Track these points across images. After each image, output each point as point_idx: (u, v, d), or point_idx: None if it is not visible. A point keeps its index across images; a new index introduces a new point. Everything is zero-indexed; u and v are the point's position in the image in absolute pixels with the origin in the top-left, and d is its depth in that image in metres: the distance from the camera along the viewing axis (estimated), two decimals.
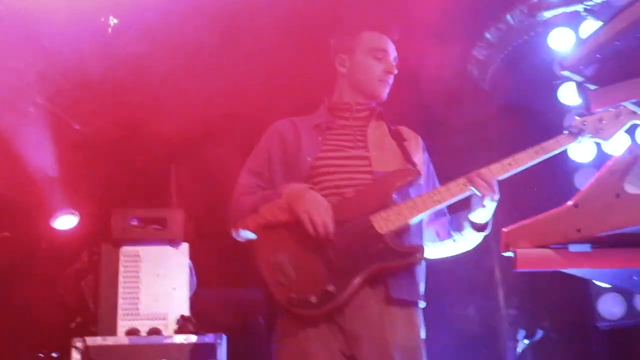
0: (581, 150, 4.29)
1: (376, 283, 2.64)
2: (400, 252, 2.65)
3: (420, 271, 2.80)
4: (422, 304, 2.78)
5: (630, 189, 1.66)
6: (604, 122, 2.69)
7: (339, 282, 2.56)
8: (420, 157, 2.99)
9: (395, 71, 2.99)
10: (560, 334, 4.42)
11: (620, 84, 1.81)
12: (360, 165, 2.83)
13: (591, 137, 2.72)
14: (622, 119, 2.67)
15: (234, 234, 2.86)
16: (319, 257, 2.61)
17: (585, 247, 1.76)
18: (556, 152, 2.76)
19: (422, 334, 2.75)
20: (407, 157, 2.90)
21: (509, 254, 1.86)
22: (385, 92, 2.99)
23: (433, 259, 2.98)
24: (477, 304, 5.15)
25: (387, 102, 3.04)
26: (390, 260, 2.62)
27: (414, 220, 2.72)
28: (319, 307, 2.54)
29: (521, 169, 2.73)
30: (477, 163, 2.77)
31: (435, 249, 2.95)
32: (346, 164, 2.83)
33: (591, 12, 3.68)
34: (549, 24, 4.57)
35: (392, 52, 3.00)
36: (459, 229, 2.83)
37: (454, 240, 2.87)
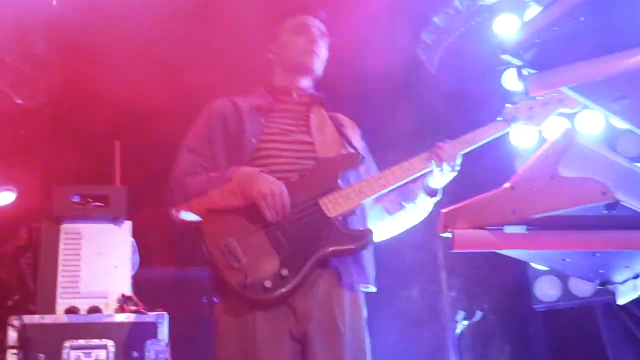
0: (522, 136, 4.36)
1: (326, 265, 2.66)
2: (350, 236, 2.67)
3: (369, 256, 2.82)
4: (372, 289, 2.83)
5: (564, 172, 1.69)
6: (534, 109, 2.81)
7: (292, 267, 2.57)
8: (359, 144, 3.02)
9: (319, 41, 2.99)
10: (498, 316, 4.50)
11: (558, 69, 1.83)
12: (305, 150, 2.85)
13: (523, 123, 2.82)
14: (550, 106, 2.80)
15: (174, 215, 2.82)
16: (269, 241, 2.62)
17: (520, 229, 1.79)
18: (491, 138, 2.86)
19: (365, 314, 2.80)
20: (349, 143, 2.93)
21: (447, 234, 1.88)
22: (314, 63, 2.99)
23: (379, 242, 3.00)
24: (420, 286, 5.21)
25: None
26: (341, 244, 2.64)
27: (360, 205, 2.75)
28: (273, 292, 2.54)
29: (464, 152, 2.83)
30: (423, 146, 2.82)
31: (385, 226, 2.97)
32: (291, 148, 2.84)
33: None
34: (495, 10, 4.63)
35: (316, 26, 3.02)
36: (411, 198, 2.87)
37: (405, 211, 2.90)
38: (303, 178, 2.75)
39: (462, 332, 4.10)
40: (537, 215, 1.73)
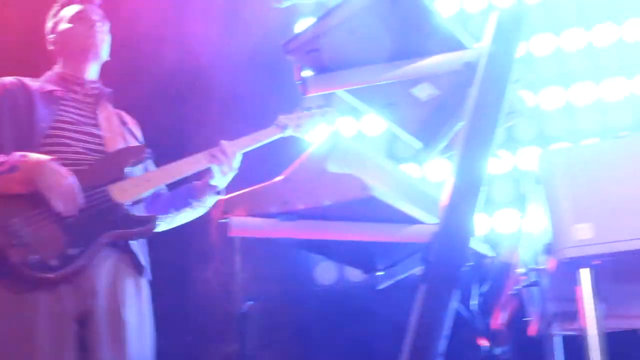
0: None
1: (114, 248, 2.68)
2: (137, 220, 2.71)
3: (144, 244, 2.86)
4: (147, 275, 2.83)
5: (331, 168, 1.78)
6: (301, 119, 3.02)
7: (79, 246, 2.55)
8: (139, 138, 3.06)
9: (99, 25, 2.94)
10: (283, 296, 4.65)
11: (335, 73, 1.93)
12: (94, 142, 2.81)
13: (293, 132, 3.01)
14: (315, 120, 3.04)
15: None
16: (57, 223, 2.55)
17: (290, 218, 1.86)
18: (266, 141, 3.03)
19: (149, 302, 2.82)
20: (136, 138, 2.99)
21: (225, 220, 1.91)
22: (97, 47, 2.93)
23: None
24: (215, 269, 5.24)
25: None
26: (128, 227, 2.67)
27: (148, 193, 2.81)
28: (58, 270, 2.49)
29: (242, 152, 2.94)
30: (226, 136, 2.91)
31: (169, 219, 3.00)
32: (81, 139, 2.78)
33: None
34: (299, 13, 4.74)
35: (93, 11, 2.97)
36: (199, 197, 2.94)
37: (191, 207, 2.96)
38: (92, 167, 2.73)
39: (247, 311, 4.18)
40: (307, 207, 1.81)
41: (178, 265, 4.64)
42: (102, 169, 2.73)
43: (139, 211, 2.80)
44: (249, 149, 2.94)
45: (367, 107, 2.17)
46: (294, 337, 4.70)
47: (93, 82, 2.95)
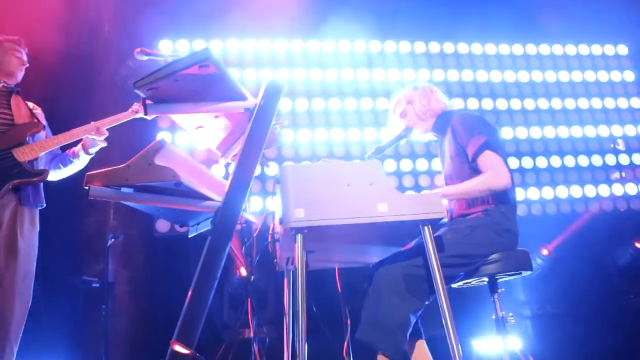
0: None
1: (14, 192, 2.46)
2: (33, 173, 2.49)
3: (41, 186, 2.63)
4: (42, 206, 2.61)
5: (157, 162, 1.69)
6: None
7: None
8: (42, 119, 2.76)
9: (25, 62, 2.75)
10: (135, 237, 4.35)
11: (166, 104, 1.83)
12: (5, 118, 2.58)
13: (142, 116, 2.76)
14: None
15: None
16: None
17: (130, 190, 1.74)
18: (124, 121, 2.70)
19: (37, 227, 2.58)
20: (35, 117, 2.71)
21: (87, 187, 1.74)
22: (20, 76, 2.75)
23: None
24: (94, 217, 4.75)
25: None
26: (26, 177, 2.46)
27: (41, 154, 2.56)
28: None
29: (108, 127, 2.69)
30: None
31: (61, 172, 2.77)
32: None
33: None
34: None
35: (22, 51, 2.77)
36: (77, 156, 2.73)
37: (72, 164, 2.75)
38: (2, 135, 2.48)
39: (110, 246, 3.85)
40: (139, 184, 1.70)
41: (73, 212, 4.15)
42: (9, 137, 2.49)
43: (38, 165, 2.58)
44: (111, 125, 2.71)
45: (186, 127, 2.07)
46: (142, 262, 4.41)
47: (9, 84, 2.72)
